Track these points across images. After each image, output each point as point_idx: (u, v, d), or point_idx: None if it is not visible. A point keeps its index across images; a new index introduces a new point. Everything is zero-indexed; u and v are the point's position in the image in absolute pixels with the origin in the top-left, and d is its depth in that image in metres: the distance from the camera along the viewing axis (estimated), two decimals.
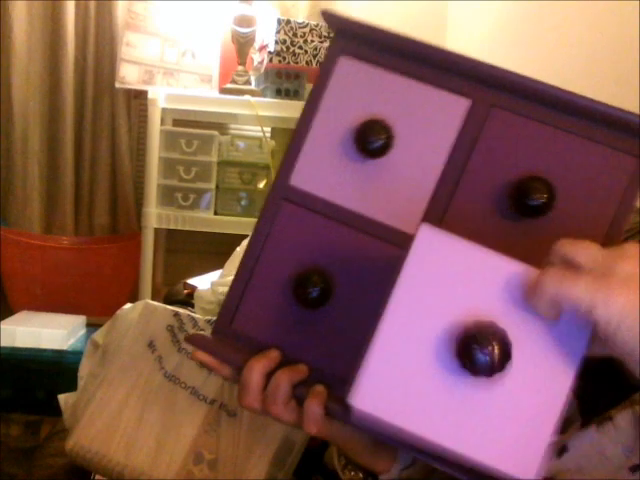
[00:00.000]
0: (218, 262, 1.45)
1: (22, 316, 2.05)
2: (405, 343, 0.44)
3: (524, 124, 0.54)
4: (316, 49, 2.10)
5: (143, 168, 2.18)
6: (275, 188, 0.58)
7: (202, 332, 0.61)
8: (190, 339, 0.58)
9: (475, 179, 0.54)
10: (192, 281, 1.59)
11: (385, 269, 0.53)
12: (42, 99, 2.28)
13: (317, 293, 0.55)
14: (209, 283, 1.36)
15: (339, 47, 0.58)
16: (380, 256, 0.55)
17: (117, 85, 2.22)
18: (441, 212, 0.54)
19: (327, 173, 0.57)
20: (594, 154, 0.52)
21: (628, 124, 0.51)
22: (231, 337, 0.57)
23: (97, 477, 0.99)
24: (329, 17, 0.58)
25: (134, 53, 2.21)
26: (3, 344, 1.84)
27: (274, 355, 0.56)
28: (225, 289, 1.32)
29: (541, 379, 0.43)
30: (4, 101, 2.23)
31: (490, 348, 0.41)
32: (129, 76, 2.21)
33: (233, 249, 1.42)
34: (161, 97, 2.05)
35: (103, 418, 0.93)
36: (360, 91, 0.57)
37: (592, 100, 0.51)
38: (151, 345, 0.96)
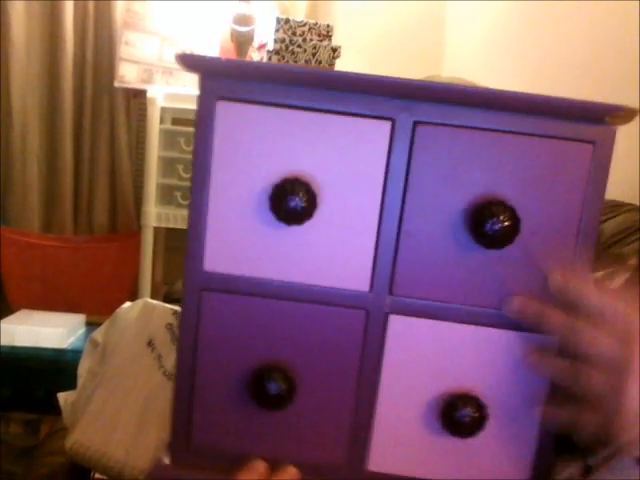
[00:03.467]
0: None
1: (21, 315, 2.05)
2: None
3: (459, 136, 0.47)
4: (315, 48, 2.10)
5: (142, 167, 2.18)
6: (189, 278, 0.49)
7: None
8: (151, 475, 0.52)
9: (418, 211, 0.47)
10: None
11: (351, 336, 0.49)
12: (41, 98, 2.28)
13: (280, 390, 0.48)
14: None
15: (213, 92, 0.48)
16: (343, 324, 0.49)
17: (116, 84, 2.22)
18: (391, 259, 0.49)
19: (245, 247, 0.48)
20: (545, 150, 0.47)
21: (571, 109, 0.46)
22: (193, 456, 0.51)
23: (97, 475, 0.99)
24: (189, 61, 0.48)
25: (133, 52, 2.21)
26: (2, 343, 1.84)
27: (262, 469, 0.49)
28: None
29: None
30: (3, 100, 2.23)
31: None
32: (128, 75, 2.21)
33: None
34: (160, 96, 2.05)
35: (102, 417, 0.93)
36: (256, 140, 0.47)
37: (529, 94, 0.46)
38: (150, 344, 0.96)
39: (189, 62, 0.48)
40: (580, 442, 0.48)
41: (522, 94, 0.45)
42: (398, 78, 0.45)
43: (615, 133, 0.47)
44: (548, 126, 0.47)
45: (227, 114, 0.48)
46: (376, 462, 0.51)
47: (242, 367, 0.49)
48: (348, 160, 0.47)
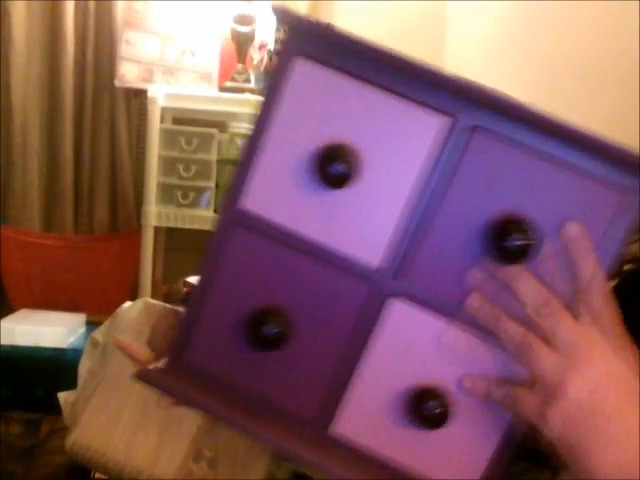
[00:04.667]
0: None
1: (22, 314, 2.05)
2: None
3: (507, 150, 0.49)
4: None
5: (143, 166, 2.18)
6: (226, 211, 0.52)
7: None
8: (140, 376, 0.54)
9: (453, 211, 0.49)
10: (192, 279, 1.59)
11: (348, 304, 0.51)
12: (42, 97, 2.28)
13: (273, 334, 0.51)
14: None
15: (295, 47, 0.50)
16: (343, 291, 0.52)
17: (117, 83, 2.22)
18: (410, 245, 0.50)
19: (283, 197, 0.51)
20: (578, 185, 0.48)
21: (613, 154, 0.47)
22: (183, 369, 0.54)
23: (97, 475, 0.99)
24: (281, 13, 0.50)
25: (134, 51, 2.21)
26: (3, 342, 1.84)
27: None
28: None
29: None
30: (4, 99, 2.23)
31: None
32: (129, 74, 2.21)
33: None
34: (161, 95, 2.05)
35: (103, 416, 0.93)
36: (321, 103, 0.50)
37: (579, 129, 0.47)
38: (150, 343, 0.96)
39: (280, 15, 0.50)
40: (550, 453, 0.48)
41: (568, 126, 0.47)
42: (469, 81, 0.47)
43: None
44: (586, 164, 0.48)
45: (302, 70, 0.50)
46: (341, 427, 0.53)
47: (247, 304, 0.52)
48: (399, 142, 0.50)
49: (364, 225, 0.51)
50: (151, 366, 0.57)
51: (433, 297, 0.50)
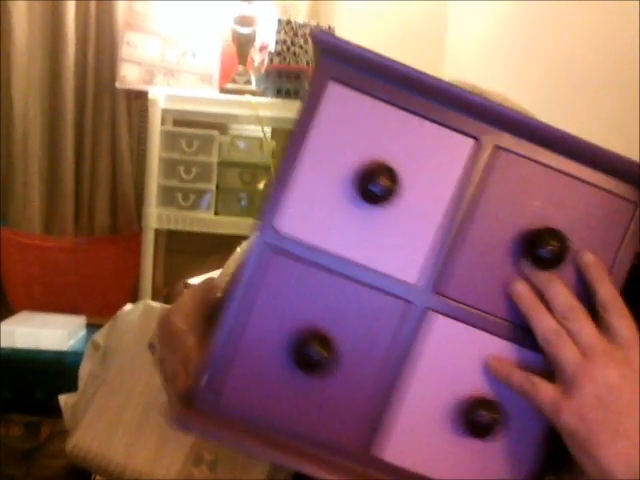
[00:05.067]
0: (218, 262, 1.45)
1: (22, 317, 2.05)
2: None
3: (528, 167, 0.52)
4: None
5: (143, 168, 2.18)
6: (259, 233, 0.52)
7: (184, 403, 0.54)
8: (178, 421, 0.51)
9: (482, 227, 0.52)
10: (192, 281, 1.58)
11: (388, 323, 0.52)
12: (42, 99, 2.28)
13: (320, 358, 0.50)
14: None
15: (328, 71, 0.51)
16: (383, 310, 0.52)
17: (117, 85, 2.22)
18: (446, 261, 0.52)
19: (320, 219, 0.51)
20: (595, 200, 0.52)
21: (625, 169, 0.52)
22: (219, 410, 0.52)
23: (97, 478, 0.99)
24: (319, 37, 0.51)
25: (134, 53, 2.21)
26: (3, 345, 1.84)
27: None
28: None
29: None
30: (4, 101, 2.23)
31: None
32: (129, 76, 2.21)
33: (233, 249, 1.42)
34: (161, 97, 2.05)
35: (103, 419, 0.93)
36: (356, 125, 0.51)
37: (594, 145, 0.51)
38: (152, 346, 0.96)
39: (318, 38, 0.51)
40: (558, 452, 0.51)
41: (600, 149, 0.51)
42: (490, 102, 0.51)
43: None
44: (604, 178, 0.52)
45: (335, 94, 0.51)
46: (388, 450, 0.53)
47: (286, 331, 0.52)
48: (431, 162, 0.52)
49: (402, 243, 0.52)
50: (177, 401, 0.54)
51: (470, 309, 0.52)
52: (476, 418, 0.51)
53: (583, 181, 0.52)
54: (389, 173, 0.50)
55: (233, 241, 1.53)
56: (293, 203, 0.51)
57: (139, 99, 2.28)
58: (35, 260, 2.23)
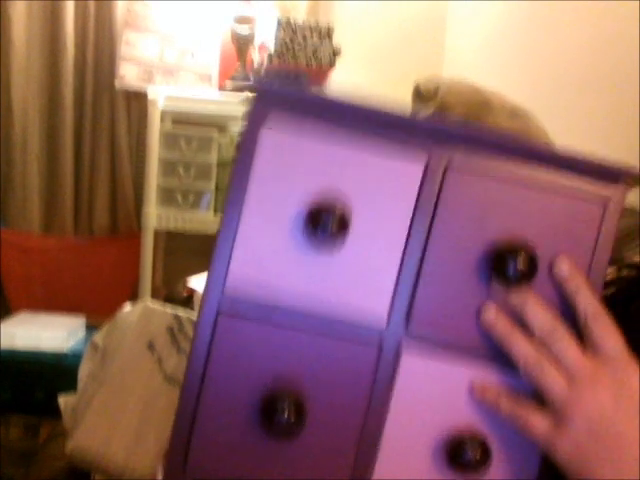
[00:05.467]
0: None
1: (21, 317, 2.05)
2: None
3: (483, 184, 0.49)
4: (316, 49, 2.09)
5: (143, 168, 2.18)
6: (207, 300, 0.48)
7: None
8: None
9: (441, 252, 0.49)
10: (192, 282, 1.58)
11: (362, 373, 0.49)
12: (41, 99, 2.28)
13: (289, 419, 0.47)
14: None
15: (260, 118, 0.48)
16: (354, 359, 0.49)
17: (117, 85, 2.22)
18: (410, 296, 0.49)
19: (269, 273, 0.48)
20: (559, 206, 0.49)
21: (586, 167, 0.49)
22: (188, 475, 0.50)
23: (97, 478, 0.99)
24: (256, 84, 0.49)
25: (134, 52, 2.21)
26: (2, 346, 1.83)
27: None
28: None
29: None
30: (3, 101, 2.22)
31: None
32: (129, 75, 2.21)
33: None
34: (161, 97, 2.05)
35: (103, 420, 0.93)
36: (295, 169, 0.48)
37: (549, 147, 0.49)
38: (151, 346, 0.96)
39: (256, 86, 0.49)
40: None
41: (542, 147, 0.49)
42: (436, 121, 0.49)
43: (626, 193, 0.50)
44: (565, 181, 0.49)
45: (271, 139, 0.48)
46: None
47: (250, 394, 0.49)
48: (379, 195, 0.49)
49: (363, 285, 0.49)
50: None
51: (445, 343, 0.50)
52: (463, 455, 0.49)
53: (544, 188, 0.49)
54: (337, 211, 0.46)
55: None
56: (239, 263, 0.48)
57: (138, 99, 2.27)
58: (34, 260, 2.23)
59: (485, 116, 0.82)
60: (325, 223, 0.46)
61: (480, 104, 0.83)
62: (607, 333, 0.48)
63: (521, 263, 0.47)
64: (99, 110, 2.31)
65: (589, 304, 0.48)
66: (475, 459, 0.49)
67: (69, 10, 2.22)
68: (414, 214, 0.49)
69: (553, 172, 0.49)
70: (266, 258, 0.48)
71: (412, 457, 0.50)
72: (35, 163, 2.28)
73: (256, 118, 0.48)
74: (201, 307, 0.49)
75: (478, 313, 0.49)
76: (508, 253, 0.47)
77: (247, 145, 0.48)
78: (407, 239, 0.49)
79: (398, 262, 0.49)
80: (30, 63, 2.24)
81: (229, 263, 0.48)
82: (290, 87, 0.49)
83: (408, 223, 0.49)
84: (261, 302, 0.48)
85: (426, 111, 0.83)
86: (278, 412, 0.47)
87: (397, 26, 2.36)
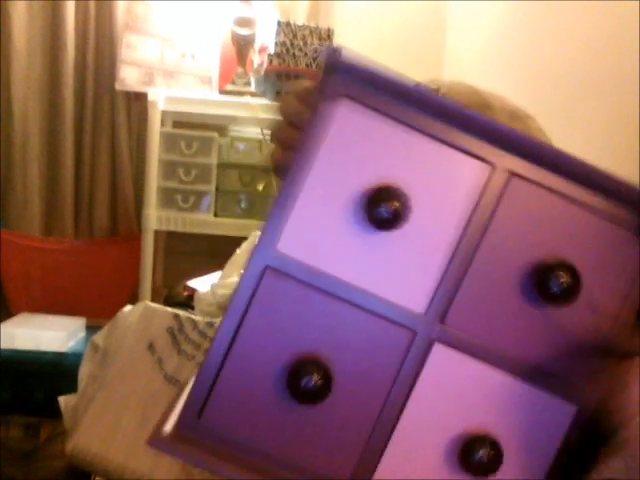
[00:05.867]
0: (218, 264, 1.45)
1: (22, 318, 2.05)
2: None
3: (541, 196, 0.50)
4: (316, 51, 2.09)
5: (143, 170, 2.18)
6: (258, 252, 0.49)
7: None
8: (153, 443, 0.49)
9: (490, 256, 0.50)
10: (192, 283, 1.58)
11: (392, 354, 0.50)
12: (42, 101, 2.28)
13: (315, 386, 0.47)
14: (209, 285, 1.36)
15: (340, 86, 0.49)
16: (386, 339, 0.50)
17: (117, 87, 2.22)
18: (453, 290, 0.50)
19: (324, 241, 0.49)
20: (607, 233, 0.50)
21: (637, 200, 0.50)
22: (201, 433, 0.49)
23: (97, 479, 0.99)
24: (332, 54, 0.49)
25: (134, 54, 2.21)
26: (3, 346, 1.84)
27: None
28: (225, 291, 1.31)
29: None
30: (4, 102, 2.23)
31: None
32: (129, 78, 2.21)
33: (233, 251, 1.42)
34: (161, 99, 2.05)
35: (103, 420, 0.93)
36: (367, 144, 0.49)
37: (609, 175, 0.49)
38: (151, 347, 0.96)
39: (331, 55, 0.49)
40: None
41: (602, 172, 0.49)
42: (506, 129, 0.49)
43: None
44: (613, 209, 0.50)
45: (347, 112, 0.49)
46: None
47: (280, 353, 0.49)
48: (442, 189, 0.50)
49: (409, 270, 0.50)
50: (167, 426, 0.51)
51: (476, 342, 0.50)
52: (474, 456, 0.49)
53: (595, 212, 0.50)
54: (398, 196, 0.48)
55: (233, 242, 1.53)
56: (296, 223, 0.49)
57: (138, 101, 2.28)
58: (35, 262, 2.23)
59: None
60: (385, 203, 0.47)
61: (480, 105, 0.83)
62: None
63: (564, 283, 0.47)
64: (99, 112, 2.32)
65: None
66: (486, 461, 0.49)
67: (69, 12, 2.22)
68: (472, 214, 0.49)
69: (603, 197, 0.50)
70: (322, 224, 0.49)
71: (423, 449, 0.51)
72: (35, 164, 2.28)
73: (337, 87, 0.49)
74: (249, 260, 0.49)
75: (512, 321, 0.50)
76: (553, 270, 0.48)
77: (324, 111, 0.49)
78: (461, 237, 0.50)
79: (449, 256, 0.50)
80: (31, 65, 2.25)
81: (287, 221, 0.49)
82: (374, 66, 0.49)
83: (465, 222, 0.49)
84: (309, 265, 0.49)
85: None
86: (306, 375, 0.47)
87: (397, 27, 2.36)
